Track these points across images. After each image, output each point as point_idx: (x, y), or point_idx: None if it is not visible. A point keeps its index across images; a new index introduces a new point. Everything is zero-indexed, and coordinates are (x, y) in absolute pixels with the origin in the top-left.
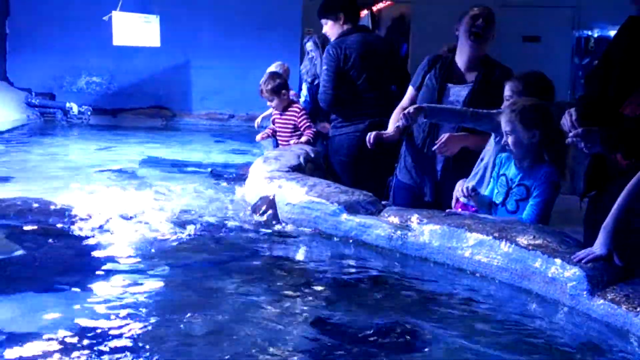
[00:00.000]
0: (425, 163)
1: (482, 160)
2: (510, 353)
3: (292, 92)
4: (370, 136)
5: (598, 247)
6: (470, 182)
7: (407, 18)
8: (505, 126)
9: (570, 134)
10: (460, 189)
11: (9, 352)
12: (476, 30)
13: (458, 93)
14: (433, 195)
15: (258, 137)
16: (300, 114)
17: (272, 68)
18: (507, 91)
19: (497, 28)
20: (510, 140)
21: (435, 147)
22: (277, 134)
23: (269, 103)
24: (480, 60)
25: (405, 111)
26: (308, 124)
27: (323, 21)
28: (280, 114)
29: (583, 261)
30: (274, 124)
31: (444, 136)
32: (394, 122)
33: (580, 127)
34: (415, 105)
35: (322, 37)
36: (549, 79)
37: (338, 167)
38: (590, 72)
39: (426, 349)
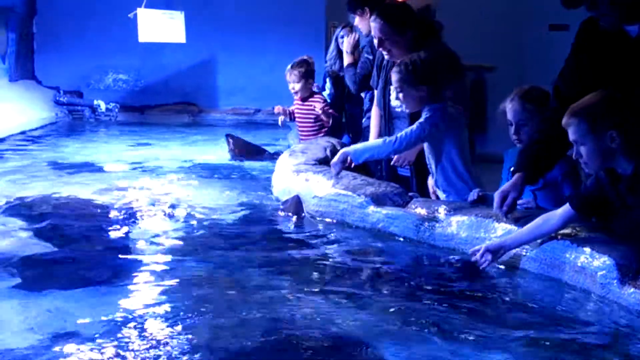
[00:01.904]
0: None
1: None
2: (541, 343)
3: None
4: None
5: None
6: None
7: (433, 8)
8: (515, 117)
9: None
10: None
11: (45, 348)
12: None
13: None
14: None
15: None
16: (322, 103)
17: None
18: (394, 78)
19: (524, 16)
20: (514, 130)
21: (393, 162)
22: (298, 124)
23: (291, 86)
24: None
25: (332, 162)
26: (329, 109)
27: (352, 15)
28: (302, 103)
29: None
30: (292, 116)
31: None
32: (376, 125)
33: None
34: (340, 152)
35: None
36: (451, 52)
37: None
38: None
39: (457, 339)
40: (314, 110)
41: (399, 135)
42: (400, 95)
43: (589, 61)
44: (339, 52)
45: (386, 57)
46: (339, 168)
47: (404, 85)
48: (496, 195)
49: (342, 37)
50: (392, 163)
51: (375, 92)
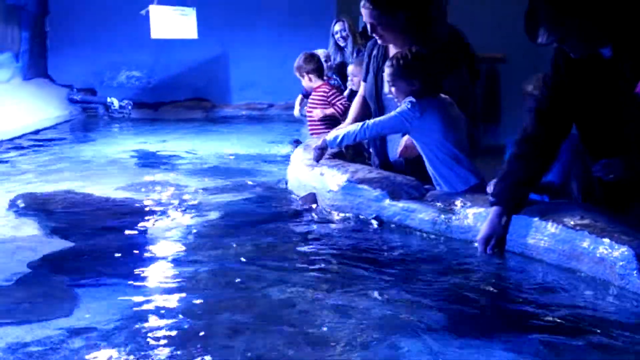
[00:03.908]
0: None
1: None
2: (559, 334)
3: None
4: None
5: None
6: None
7: None
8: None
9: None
10: None
11: (58, 342)
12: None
13: None
14: None
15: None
16: (330, 92)
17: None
18: (387, 72)
19: None
20: None
21: (399, 155)
22: (307, 117)
23: (303, 82)
24: (410, 42)
25: (313, 147)
26: (338, 98)
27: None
28: (311, 93)
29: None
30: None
31: (402, 141)
32: (354, 111)
33: None
34: (317, 144)
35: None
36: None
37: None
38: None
39: (473, 331)
40: (323, 97)
41: (371, 122)
42: (393, 89)
43: (568, 84)
44: (337, 46)
45: (379, 42)
46: (316, 154)
47: (397, 80)
48: (479, 243)
49: (337, 32)
50: (398, 156)
51: (363, 84)
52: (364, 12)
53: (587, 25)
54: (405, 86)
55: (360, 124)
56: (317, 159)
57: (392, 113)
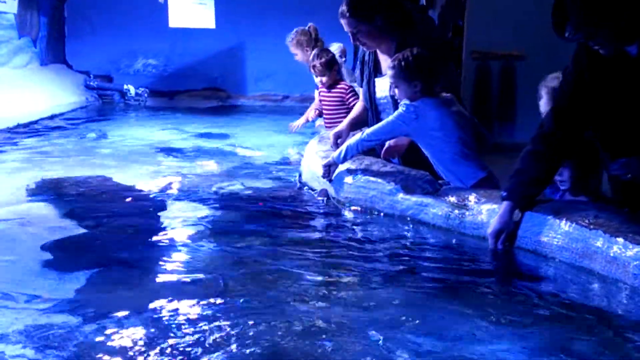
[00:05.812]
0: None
1: None
2: (570, 332)
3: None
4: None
5: None
6: None
7: None
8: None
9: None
10: None
11: (75, 328)
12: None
13: (381, 87)
14: None
15: (294, 126)
16: (348, 91)
17: (333, 48)
18: (390, 74)
19: None
20: None
21: (382, 156)
22: (324, 111)
23: (317, 79)
24: (396, 45)
25: (321, 174)
26: (356, 101)
27: None
28: (328, 91)
29: None
30: (320, 114)
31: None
32: (354, 112)
33: None
34: (326, 162)
35: None
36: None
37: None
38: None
39: (485, 328)
40: (341, 96)
41: (370, 130)
42: (396, 90)
43: (589, 81)
44: None
45: (364, 49)
46: (325, 171)
47: (400, 81)
48: (490, 237)
49: None
50: (382, 156)
51: (360, 88)
52: (342, 22)
53: (617, 22)
54: (407, 87)
55: (359, 134)
56: (326, 176)
57: (389, 118)
